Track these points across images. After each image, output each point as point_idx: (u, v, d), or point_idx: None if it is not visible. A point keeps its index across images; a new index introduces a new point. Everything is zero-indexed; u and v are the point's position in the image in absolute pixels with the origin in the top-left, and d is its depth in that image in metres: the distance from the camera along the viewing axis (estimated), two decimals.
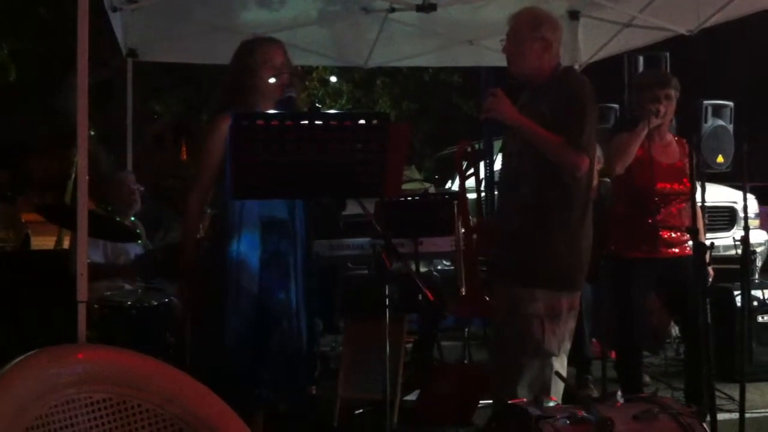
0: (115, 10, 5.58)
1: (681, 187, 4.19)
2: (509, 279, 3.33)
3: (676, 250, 4.19)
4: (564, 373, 3.30)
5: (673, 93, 4.18)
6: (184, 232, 3.48)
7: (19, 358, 2.17)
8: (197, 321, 3.55)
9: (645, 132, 4.05)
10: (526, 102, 3.40)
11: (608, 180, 5.24)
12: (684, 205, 4.20)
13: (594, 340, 5.13)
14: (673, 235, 4.18)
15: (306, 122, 2.70)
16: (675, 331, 5.75)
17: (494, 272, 3.47)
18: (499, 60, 6.70)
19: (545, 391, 3.16)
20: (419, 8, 5.39)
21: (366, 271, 6.04)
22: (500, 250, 3.41)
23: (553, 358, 3.26)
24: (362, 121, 2.73)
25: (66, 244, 5.40)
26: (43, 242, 10.90)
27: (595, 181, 5.27)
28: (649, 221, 4.17)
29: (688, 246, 4.18)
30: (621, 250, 4.20)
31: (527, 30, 3.40)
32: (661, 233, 4.17)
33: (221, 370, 3.17)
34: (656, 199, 4.16)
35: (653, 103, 4.10)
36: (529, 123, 3.24)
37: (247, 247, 3.25)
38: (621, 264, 4.19)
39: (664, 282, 4.24)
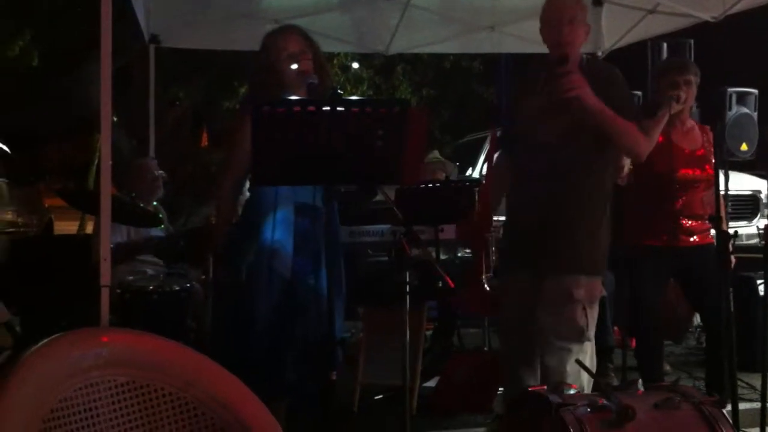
0: None
1: (702, 174, 4.15)
2: (549, 268, 3.29)
3: (697, 239, 4.16)
4: (593, 359, 3.32)
5: (693, 79, 4.14)
6: (218, 218, 3.51)
7: (42, 342, 2.19)
8: (224, 304, 3.56)
9: (666, 118, 4.01)
10: (541, 90, 3.35)
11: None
12: (705, 192, 4.16)
13: (616, 328, 5.11)
14: (694, 223, 4.15)
15: (327, 109, 2.70)
16: (696, 319, 5.72)
17: (519, 262, 3.41)
18: (520, 46, 6.68)
19: (574, 379, 3.17)
20: None
21: (386, 258, 6.05)
22: (532, 240, 3.34)
23: (587, 344, 3.29)
24: (382, 109, 2.73)
25: (89, 229, 5.44)
26: (66, 227, 10.98)
27: (626, 170, 5.26)
28: (670, 209, 4.14)
29: (709, 234, 4.15)
30: (640, 237, 4.18)
31: (581, 12, 3.36)
32: (681, 221, 4.14)
33: (249, 354, 3.18)
34: (677, 186, 4.13)
35: (673, 89, 4.07)
36: (605, 107, 3.18)
37: (282, 232, 3.26)
38: (640, 252, 4.17)
39: (684, 271, 4.21)
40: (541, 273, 3.31)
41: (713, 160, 4.12)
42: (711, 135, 4.26)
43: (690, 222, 4.15)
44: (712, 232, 4.23)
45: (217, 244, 3.42)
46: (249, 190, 3.48)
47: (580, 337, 3.26)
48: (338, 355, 3.30)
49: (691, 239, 4.15)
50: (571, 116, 3.24)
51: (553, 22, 3.35)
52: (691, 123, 4.26)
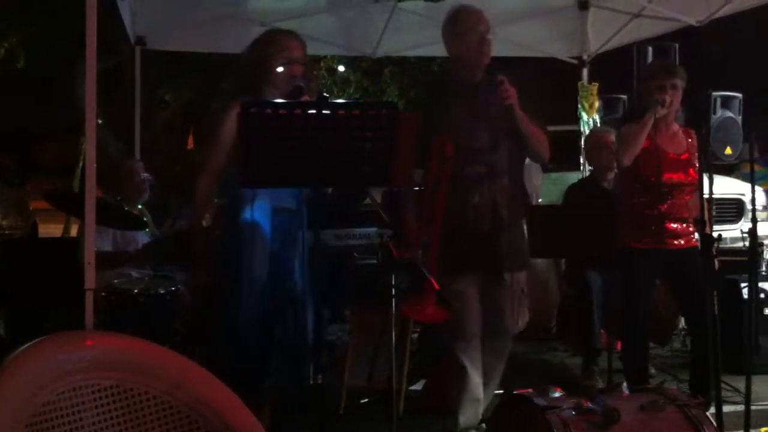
0: None
1: (688, 177, 4.17)
2: (496, 267, 3.65)
3: (682, 242, 4.18)
4: None
5: (679, 83, 4.16)
6: (193, 218, 3.49)
7: (27, 345, 2.18)
8: (207, 309, 3.56)
9: (651, 123, 4.03)
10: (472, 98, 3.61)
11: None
12: (690, 196, 4.19)
13: (603, 330, 5.13)
14: (680, 226, 4.17)
15: (314, 111, 2.70)
16: (682, 322, 5.74)
17: (467, 265, 3.60)
18: (506, 50, 6.70)
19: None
20: None
21: (374, 261, 6.05)
22: (479, 243, 3.59)
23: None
24: (370, 111, 2.73)
25: (73, 232, 5.42)
26: (51, 230, 10.94)
27: (612, 174, 5.29)
28: (656, 212, 4.15)
29: (694, 237, 4.17)
30: (627, 240, 4.19)
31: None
32: (667, 224, 4.16)
33: (231, 359, 3.18)
34: (663, 189, 4.15)
35: (659, 93, 4.08)
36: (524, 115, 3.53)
37: (260, 237, 3.26)
38: (627, 254, 4.19)
39: (670, 273, 4.23)
40: (490, 272, 3.64)
41: (697, 164, 4.15)
42: (696, 139, 4.28)
43: (676, 225, 4.17)
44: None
45: (196, 247, 3.40)
46: (218, 196, 3.46)
47: (523, 321, 3.74)
48: (324, 358, 3.31)
49: (677, 242, 4.17)
50: (499, 123, 3.55)
51: (475, 33, 3.61)
52: (675, 127, 4.28)
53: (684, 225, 4.16)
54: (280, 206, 3.28)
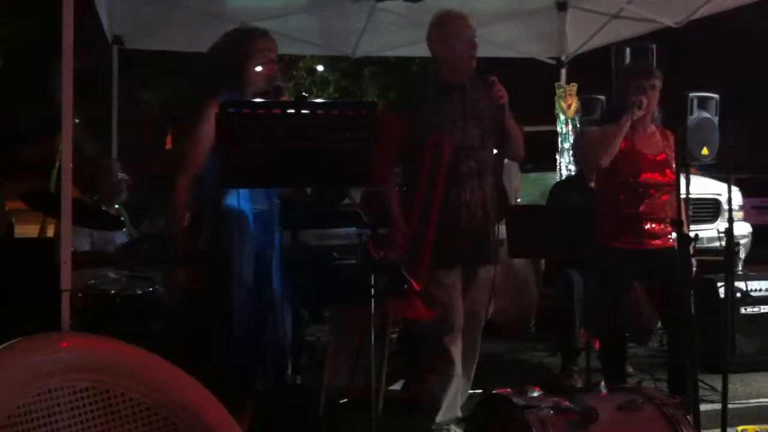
0: None
1: (665, 178, 4.19)
2: (480, 260, 3.84)
3: (660, 242, 4.20)
4: None
5: (657, 83, 4.18)
6: (172, 219, 3.44)
7: (1, 346, 2.16)
8: (192, 311, 3.53)
9: (628, 124, 4.05)
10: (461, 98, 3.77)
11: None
12: (667, 197, 4.21)
13: (582, 329, 5.15)
14: (657, 226, 4.19)
15: (293, 111, 2.69)
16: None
17: (456, 258, 3.76)
18: (487, 51, 6.72)
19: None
20: None
21: (353, 261, 6.04)
22: (467, 236, 3.76)
23: None
24: (349, 111, 2.72)
25: (50, 232, 5.37)
26: (27, 230, 10.82)
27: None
28: (633, 212, 4.17)
29: (671, 238, 4.20)
30: (606, 239, 4.21)
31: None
32: (644, 225, 4.18)
33: (219, 361, 3.15)
34: (640, 190, 4.16)
35: (637, 94, 4.10)
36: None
37: (246, 241, 3.23)
38: (605, 254, 4.20)
39: (647, 273, 4.25)
40: (474, 265, 3.82)
41: (674, 165, 4.17)
42: (672, 139, 4.30)
43: (653, 225, 4.19)
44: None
45: (176, 249, 3.36)
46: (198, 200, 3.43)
47: (489, 313, 3.96)
48: (302, 359, 3.31)
49: (654, 242, 4.19)
50: (486, 122, 3.77)
51: (464, 37, 3.78)
52: (652, 128, 4.30)
53: (661, 225, 4.18)
54: (257, 209, 3.26)
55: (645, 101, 4.08)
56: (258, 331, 3.23)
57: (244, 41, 3.40)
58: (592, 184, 5.29)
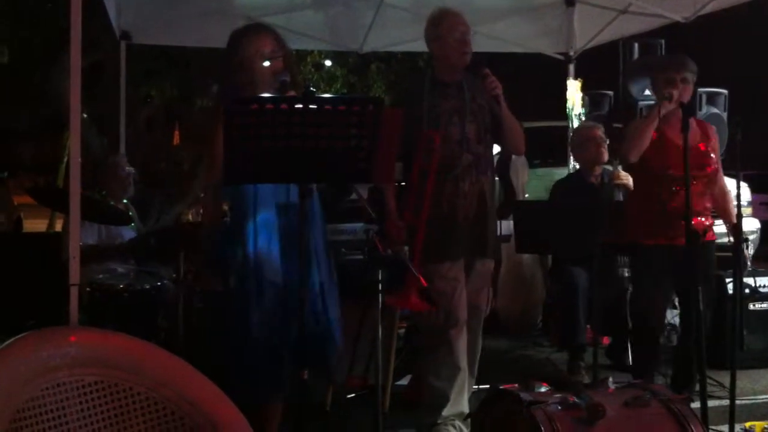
0: None
1: (701, 171, 4.10)
2: (478, 253, 3.86)
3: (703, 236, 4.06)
4: None
5: (689, 76, 4.09)
6: (205, 219, 3.46)
7: (10, 341, 2.17)
8: (212, 311, 3.52)
9: (657, 118, 3.97)
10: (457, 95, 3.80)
11: (610, 168, 5.23)
12: (704, 189, 4.14)
13: (588, 326, 5.14)
14: (694, 221, 4.06)
15: (300, 106, 2.69)
16: (668, 317, 5.76)
17: (453, 250, 3.77)
18: (493, 46, 6.69)
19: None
20: None
21: (360, 257, 6.04)
22: (465, 230, 3.78)
23: None
24: (356, 106, 2.72)
25: (58, 227, 5.39)
26: (35, 225, 10.86)
27: (598, 169, 5.30)
28: (668, 208, 4.05)
29: (712, 232, 4.14)
30: (641, 238, 4.15)
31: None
32: (681, 220, 4.08)
33: (246, 361, 3.12)
34: (675, 183, 4.01)
35: (667, 87, 4.03)
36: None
37: (265, 237, 3.20)
38: (641, 252, 4.14)
39: (679, 269, 4.07)
40: (472, 257, 3.83)
41: (713, 156, 4.13)
42: (712, 131, 4.24)
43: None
44: (716, 229, 4.26)
45: (204, 247, 3.36)
46: (226, 191, 3.41)
47: (489, 307, 4.03)
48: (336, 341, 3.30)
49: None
50: (483, 118, 3.81)
51: (456, 35, 3.82)
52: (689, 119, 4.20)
53: (699, 219, 4.06)
54: (286, 200, 3.22)
55: (675, 94, 4.01)
56: (289, 330, 3.17)
57: (237, 43, 3.40)
58: (593, 180, 5.29)
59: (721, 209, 4.33)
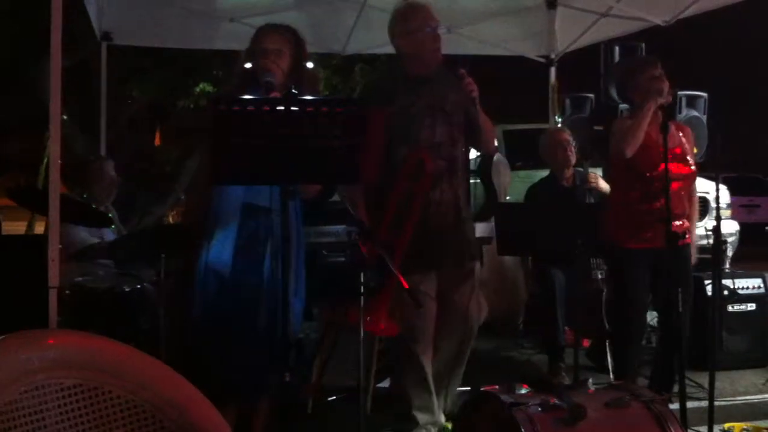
0: None
1: (682, 171, 4.12)
2: (458, 259, 3.72)
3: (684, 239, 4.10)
4: None
5: (663, 75, 4.13)
6: (195, 219, 3.48)
7: None
8: (171, 305, 3.53)
9: (651, 112, 3.97)
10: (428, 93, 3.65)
11: (581, 169, 5.28)
12: (685, 191, 4.17)
13: (567, 328, 5.17)
14: (674, 224, 4.10)
15: (283, 108, 2.69)
16: (647, 319, 5.79)
17: (431, 258, 3.63)
18: (475, 48, 6.71)
19: None
20: None
21: (342, 258, 6.04)
22: (443, 236, 3.64)
23: None
24: (339, 108, 2.72)
25: (38, 229, 5.35)
26: (15, 227, 10.77)
27: (569, 171, 5.35)
28: (650, 209, 4.07)
29: (687, 234, 4.16)
30: (621, 241, 4.17)
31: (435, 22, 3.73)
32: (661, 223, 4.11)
33: (192, 353, 3.16)
34: (657, 184, 4.01)
35: (655, 82, 4.03)
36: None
37: (222, 231, 3.24)
38: (621, 256, 4.16)
39: (659, 272, 4.16)
40: (450, 268, 3.68)
41: (690, 159, 4.15)
42: (688, 133, 4.26)
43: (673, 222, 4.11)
44: (696, 231, 4.29)
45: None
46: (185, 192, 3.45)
47: (484, 313, 3.88)
48: (291, 356, 3.27)
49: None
50: (455, 118, 3.65)
51: (428, 29, 3.65)
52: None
53: (678, 223, 4.07)
54: (253, 203, 3.24)
55: (665, 86, 4.02)
56: (267, 328, 3.20)
57: (254, 36, 3.44)
58: (565, 183, 5.32)
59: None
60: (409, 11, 3.73)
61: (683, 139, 4.24)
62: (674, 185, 4.08)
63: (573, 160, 5.29)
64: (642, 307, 4.27)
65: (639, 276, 4.15)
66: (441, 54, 3.70)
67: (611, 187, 4.55)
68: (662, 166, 3.98)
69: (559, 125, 6.49)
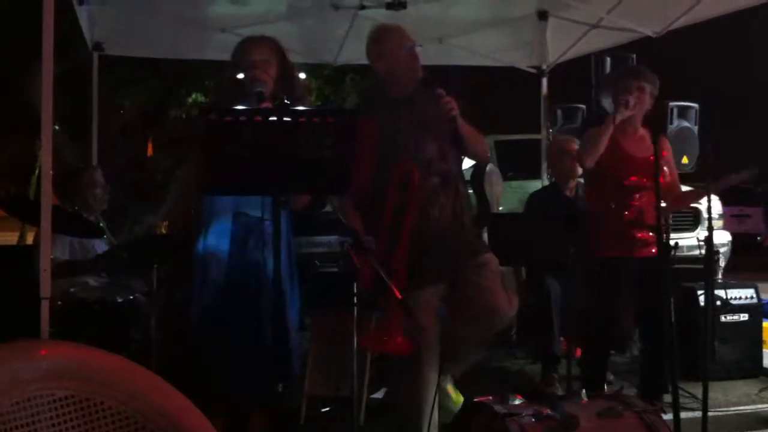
0: (81, 3, 5.52)
1: (653, 182, 4.15)
2: (458, 271, 3.61)
3: (652, 251, 4.13)
4: None
5: (647, 87, 4.15)
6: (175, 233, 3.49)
7: None
8: (163, 315, 3.52)
9: (613, 124, 4.04)
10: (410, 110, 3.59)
11: (582, 181, 5.29)
12: (659, 202, 4.19)
13: (562, 338, 5.17)
14: (646, 235, 4.14)
15: (274, 118, 2.69)
16: None
17: (431, 273, 3.54)
18: (467, 59, 6.75)
19: None
20: (389, 6, 5.41)
21: (335, 269, 6.03)
22: (442, 249, 3.56)
23: None
24: (330, 118, 2.72)
25: (29, 239, 5.32)
26: (5, 238, 10.71)
27: (573, 182, 5.35)
28: (623, 219, 4.11)
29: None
30: (597, 250, 4.19)
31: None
32: (636, 233, 4.14)
33: (186, 361, 3.15)
34: (627, 193, 4.12)
35: (623, 94, 4.09)
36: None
37: (215, 238, 3.24)
38: (598, 265, 4.18)
39: (636, 282, 4.19)
40: (461, 264, 3.61)
41: (666, 169, 4.17)
42: (664, 143, 4.29)
43: (645, 232, 4.14)
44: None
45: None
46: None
47: (515, 303, 3.83)
48: (294, 367, 3.28)
49: (644, 251, 4.15)
50: (442, 133, 3.55)
51: (404, 51, 3.62)
52: (642, 131, 4.28)
53: (651, 233, 4.11)
54: (244, 212, 3.25)
55: (632, 101, 4.06)
56: (232, 334, 3.20)
57: (238, 47, 3.45)
58: (568, 193, 5.33)
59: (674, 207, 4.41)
60: (383, 34, 3.71)
61: (663, 152, 4.27)
62: (645, 195, 4.12)
63: (579, 170, 5.30)
64: (616, 317, 4.26)
65: (617, 285, 4.16)
66: (420, 72, 3.66)
67: (586, 195, 4.57)
68: (633, 177, 4.07)
69: (552, 134, 6.52)
